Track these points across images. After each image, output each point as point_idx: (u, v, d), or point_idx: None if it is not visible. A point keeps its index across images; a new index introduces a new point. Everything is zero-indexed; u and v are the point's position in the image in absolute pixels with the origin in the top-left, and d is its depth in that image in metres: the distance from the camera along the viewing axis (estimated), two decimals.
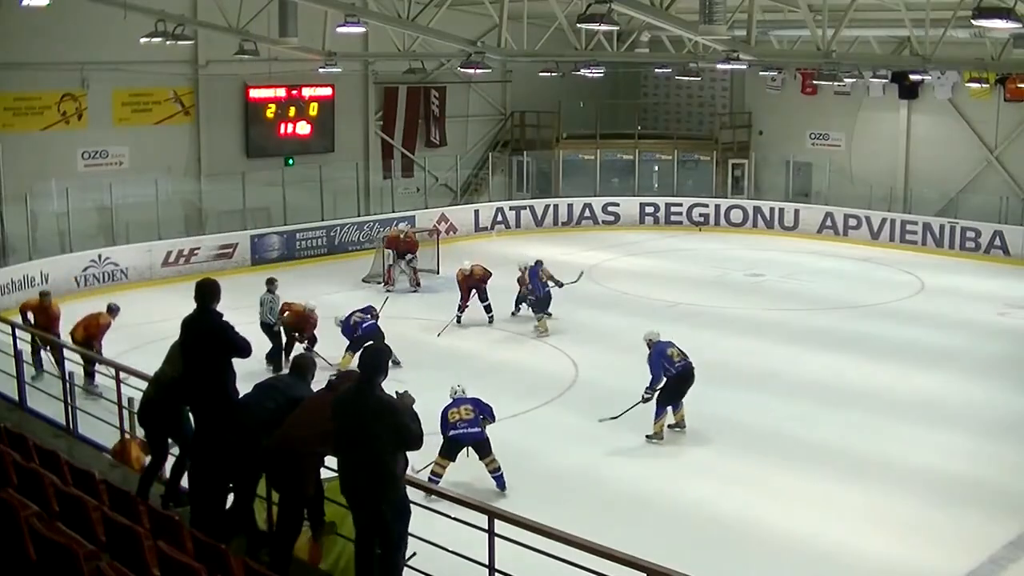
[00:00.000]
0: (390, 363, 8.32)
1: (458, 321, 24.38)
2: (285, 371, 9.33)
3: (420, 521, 8.21)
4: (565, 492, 15.09)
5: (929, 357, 22.49)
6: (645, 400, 17.35)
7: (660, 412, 17.35)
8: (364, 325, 20.53)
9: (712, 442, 17.34)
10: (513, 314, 25.26)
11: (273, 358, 20.34)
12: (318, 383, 9.04)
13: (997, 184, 34.40)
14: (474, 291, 24.48)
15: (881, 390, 20.19)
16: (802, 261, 32.66)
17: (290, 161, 33.85)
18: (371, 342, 15.39)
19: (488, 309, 24.75)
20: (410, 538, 8.26)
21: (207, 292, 9.26)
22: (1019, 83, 32.85)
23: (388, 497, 7.86)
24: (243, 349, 9.11)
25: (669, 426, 17.50)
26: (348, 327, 20.74)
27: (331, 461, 8.45)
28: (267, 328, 20.63)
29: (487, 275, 24.58)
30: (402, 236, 28.33)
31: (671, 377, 17.32)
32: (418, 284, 28.20)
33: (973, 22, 15.56)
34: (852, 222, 35.97)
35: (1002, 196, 33.89)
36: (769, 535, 13.97)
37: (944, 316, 26.03)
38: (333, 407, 8.07)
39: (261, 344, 8.68)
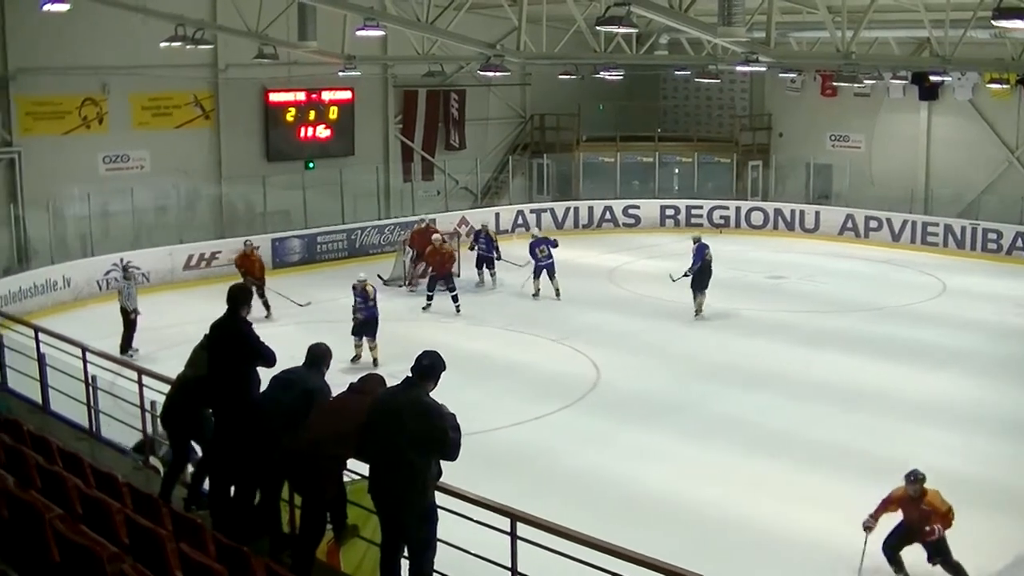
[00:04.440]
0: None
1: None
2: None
3: (442, 523, 8.20)
4: (586, 494, 15.09)
5: (950, 359, 22.41)
6: (685, 275, 25.23)
7: (696, 295, 25.13)
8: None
9: (733, 444, 17.29)
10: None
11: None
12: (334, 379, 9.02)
13: (1018, 185, 34.21)
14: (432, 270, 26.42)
15: (902, 392, 20.13)
16: (822, 263, 32.54)
17: (310, 164, 33.92)
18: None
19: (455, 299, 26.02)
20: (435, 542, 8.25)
21: (234, 297, 9.28)
22: None
23: (416, 502, 7.80)
24: (267, 357, 9.10)
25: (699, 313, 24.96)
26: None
27: (354, 464, 8.46)
28: None
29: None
30: (438, 245, 26.83)
31: (701, 267, 24.83)
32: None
33: (993, 22, 15.50)
34: (872, 224, 35.85)
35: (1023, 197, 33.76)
36: (788, 538, 13.94)
37: (965, 318, 25.91)
38: (373, 405, 8.03)
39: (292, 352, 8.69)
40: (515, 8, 23.28)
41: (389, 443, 7.82)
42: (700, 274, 25.18)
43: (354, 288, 21.46)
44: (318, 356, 8.97)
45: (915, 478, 12.02)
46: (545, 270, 27.45)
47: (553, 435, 17.80)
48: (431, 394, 7.96)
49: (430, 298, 26.24)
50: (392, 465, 7.81)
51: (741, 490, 15.45)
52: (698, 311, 25.56)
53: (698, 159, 39.73)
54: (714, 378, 20.98)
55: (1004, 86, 32.11)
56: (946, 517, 11.97)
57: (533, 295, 27.55)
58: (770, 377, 20.96)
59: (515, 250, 30.31)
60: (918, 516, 12.04)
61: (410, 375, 7.97)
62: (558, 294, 27.33)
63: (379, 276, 25.28)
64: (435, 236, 26.98)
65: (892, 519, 13.27)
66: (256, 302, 22.67)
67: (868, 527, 12.19)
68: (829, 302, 27.60)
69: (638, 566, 7.21)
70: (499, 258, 28.81)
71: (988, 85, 32.43)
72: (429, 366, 7.99)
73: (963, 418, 18.67)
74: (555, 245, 28.10)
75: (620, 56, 27.42)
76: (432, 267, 26.64)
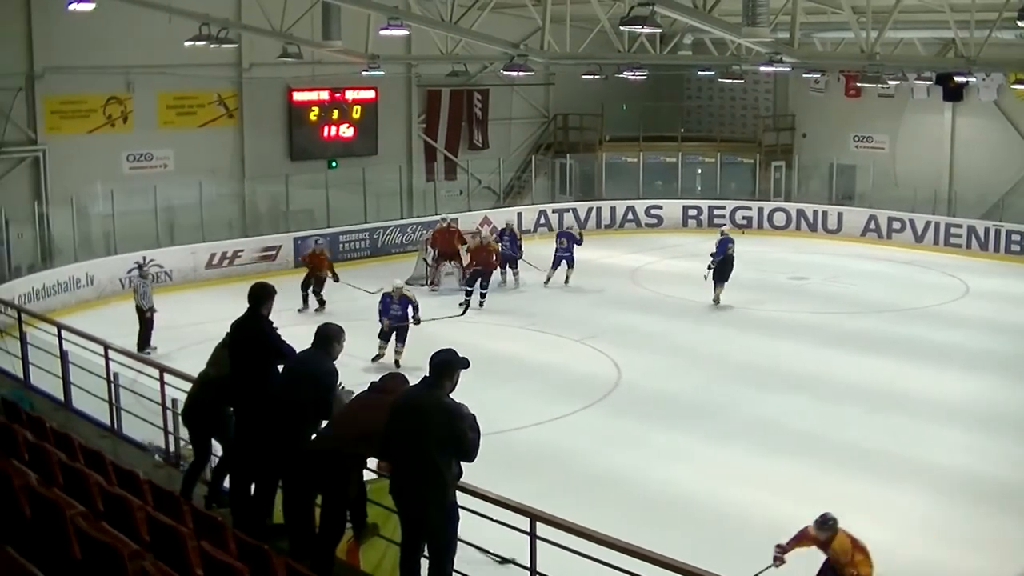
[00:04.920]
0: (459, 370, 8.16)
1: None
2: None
3: (462, 523, 8.20)
4: (606, 494, 15.07)
5: (973, 361, 22.30)
6: (710, 268, 26.39)
7: (716, 285, 26.37)
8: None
9: (755, 445, 17.23)
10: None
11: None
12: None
13: None
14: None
15: (925, 393, 20.05)
16: (845, 264, 32.43)
17: (333, 164, 33.99)
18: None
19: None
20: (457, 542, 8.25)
21: (255, 295, 9.30)
22: None
23: (437, 501, 7.80)
24: (288, 356, 9.10)
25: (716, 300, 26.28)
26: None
27: (373, 463, 8.47)
28: None
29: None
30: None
31: (723, 260, 26.21)
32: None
33: (1019, 23, 15.45)
34: (896, 225, 35.71)
35: None
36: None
37: (989, 320, 25.78)
38: (393, 406, 8.03)
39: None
40: (539, 8, 23.27)
41: (411, 443, 7.82)
42: (722, 266, 26.39)
43: (389, 295, 21.36)
44: (325, 337, 8.85)
45: (823, 523, 11.31)
46: (564, 260, 28.75)
47: (574, 435, 17.78)
48: (453, 393, 7.95)
49: (469, 294, 26.35)
50: (414, 465, 7.81)
51: (762, 491, 15.38)
52: (716, 300, 26.54)
53: (721, 159, 39.64)
54: (737, 379, 20.94)
55: None
56: (854, 565, 11.36)
57: (544, 282, 28.72)
58: (793, 378, 20.90)
59: (537, 250, 30.30)
60: (832, 559, 11.53)
61: (427, 375, 7.97)
62: (566, 281, 28.74)
63: (368, 291, 25.29)
64: (483, 233, 27.71)
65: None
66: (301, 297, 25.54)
67: (777, 559, 11.57)
68: (852, 303, 27.49)
69: (657, 566, 7.20)
70: (521, 257, 28.80)
71: (1013, 86, 32.23)
72: (444, 364, 7.98)
73: (985, 420, 18.58)
74: (578, 242, 28.77)
75: (644, 56, 27.40)
76: (479, 263, 26.76)
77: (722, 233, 27.32)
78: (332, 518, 8.43)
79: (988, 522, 14.54)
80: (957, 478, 16.05)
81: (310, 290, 25.87)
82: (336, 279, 25.79)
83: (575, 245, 28.86)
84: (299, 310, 25.11)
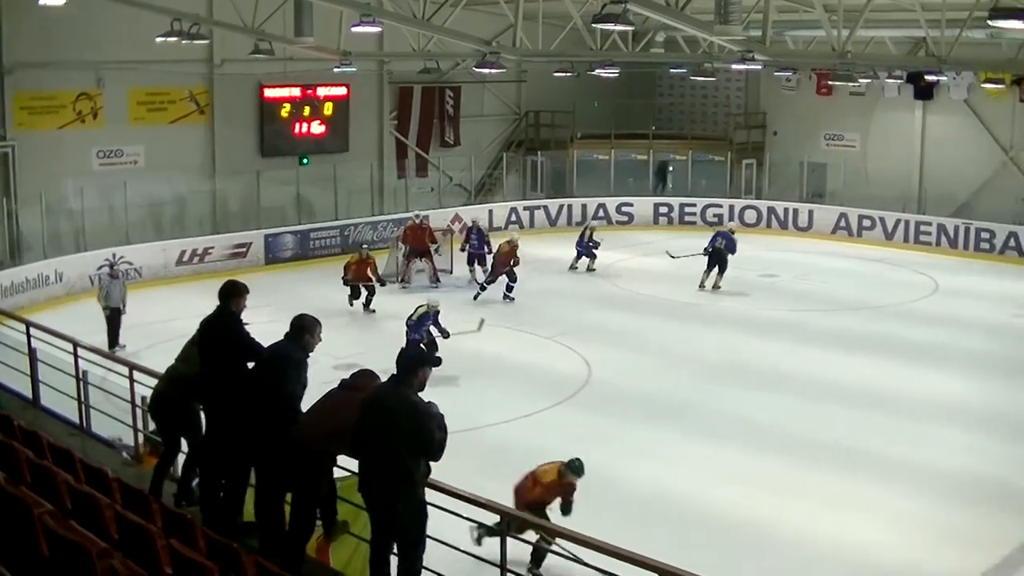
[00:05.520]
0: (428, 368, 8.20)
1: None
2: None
3: (434, 520, 8.19)
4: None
5: (943, 359, 22.49)
6: (705, 252, 28.29)
7: (706, 271, 28.14)
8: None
9: (725, 442, 17.30)
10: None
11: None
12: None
13: (1013, 185, 34.28)
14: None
15: (894, 390, 20.20)
16: (816, 262, 32.60)
17: (304, 160, 33.89)
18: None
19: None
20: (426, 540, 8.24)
21: (225, 293, 9.26)
22: None
23: (406, 499, 7.79)
24: (258, 353, 9.06)
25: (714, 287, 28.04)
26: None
27: (345, 461, 8.45)
28: None
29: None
30: (418, 223, 28.98)
31: (712, 251, 28.08)
32: (438, 280, 28.45)
33: (989, 22, 15.49)
34: (866, 223, 35.94)
35: (1017, 197, 33.79)
36: (784, 536, 13.99)
37: (958, 317, 25.97)
38: (363, 403, 8.00)
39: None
40: (511, 5, 23.24)
41: (381, 441, 7.80)
42: (711, 257, 28.16)
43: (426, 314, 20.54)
44: (299, 327, 8.72)
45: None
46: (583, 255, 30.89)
47: (544, 433, 17.72)
48: (425, 389, 7.95)
49: (483, 287, 27.31)
50: (383, 463, 7.80)
51: (737, 488, 15.44)
52: (701, 284, 28.26)
53: (692, 157, 39.75)
54: (709, 376, 21.05)
55: (999, 86, 32.18)
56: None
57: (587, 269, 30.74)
58: (766, 376, 21.00)
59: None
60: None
61: (396, 372, 7.97)
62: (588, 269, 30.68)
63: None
64: (513, 236, 28.13)
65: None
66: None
67: None
68: (823, 301, 27.64)
69: (625, 563, 7.22)
70: (491, 253, 28.80)
71: (983, 85, 32.48)
72: (412, 361, 8.02)
73: (963, 417, 18.79)
74: (596, 246, 30.80)
75: (616, 54, 27.41)
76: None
77: (723, 229, 29.71)
78: (302, 516, 8.41)
79: (965, 517, 14.67)
80: (929, 474, 16.18)
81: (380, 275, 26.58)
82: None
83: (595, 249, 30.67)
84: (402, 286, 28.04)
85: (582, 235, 30.91)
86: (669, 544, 10.21)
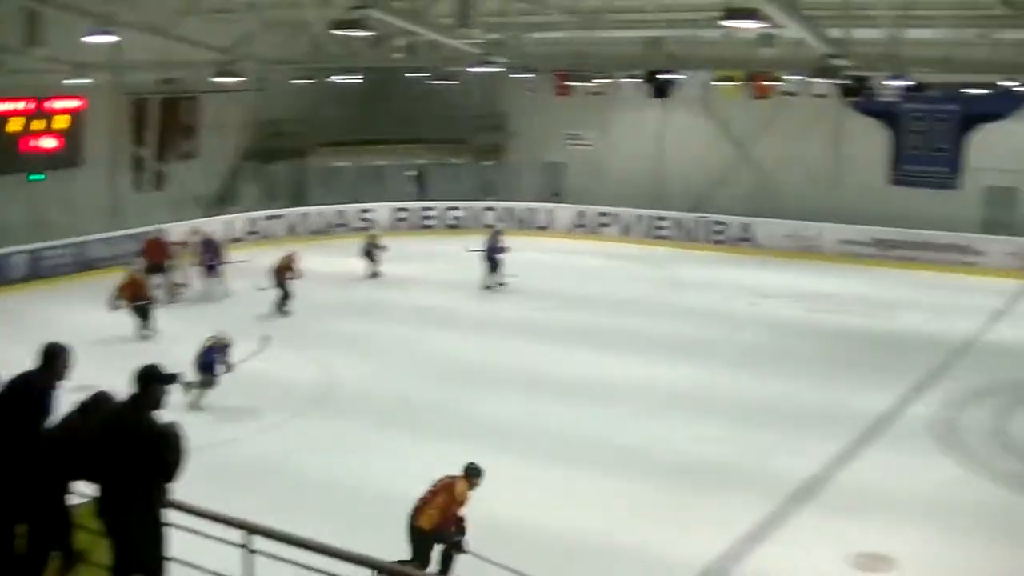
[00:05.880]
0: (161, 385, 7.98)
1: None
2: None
3: (176, 541, 7.96)
4: (321, 501, 14.81)
5: (684, 349, 23.23)
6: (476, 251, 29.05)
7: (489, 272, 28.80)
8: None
9: (476, 444, 16.45)
10: None
11: None
12: None
13: (747, 178, 35.93)
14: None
15: (638, 382, 20.73)
16: (556, 260, 33.33)
17: (33, 176, 32.20)
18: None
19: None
20: (167, 562, 7.94)
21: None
22: (766, 81, 34.19)
23: (146, 521, 7.63)
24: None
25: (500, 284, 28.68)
26: None
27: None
28: None
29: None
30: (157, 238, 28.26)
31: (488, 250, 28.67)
32: (177, 296, 27.72)
33: (721, 23, 16.03)
34: (605, 220, 36.99)
35: (751, 190, 35.41)
36: (524, 530, 14.02)
37: (697, 308, 27.02)
38: (101, 424, 7.78)
39: None
40: (252, 14, 22.93)
41: (117, 464, 7.60)
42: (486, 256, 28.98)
43: (212, 347, 19.10)
44: (48, 355, 8.31)
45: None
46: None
47: (284, 444, 17.37)
48: (163, 407, 7.77)
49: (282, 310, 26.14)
50: (119, 485, 7.61)
51: (485, 489, 15.31)
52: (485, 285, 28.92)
53: (434, 160, 40.04)
54: (453, 379, 21.01)
55: (734, 84, 33.49)
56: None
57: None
58: (512, 376, 21.13)
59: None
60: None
61: (133, 391, 7.77)
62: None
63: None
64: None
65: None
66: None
67: None
68: (565, 299, 28.22)
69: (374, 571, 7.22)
70: (222, 263, 28.35)
71: (718, 83, 33.74)
72: (147, 379, 7.79)
73: (705, 404, 19.40)
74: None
75: (356, 59, 27.32)
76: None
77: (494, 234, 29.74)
78: (36, 549, 8.06)
79: (705, 500, 15.12)
80: (675, 461, 16.60)
81: None
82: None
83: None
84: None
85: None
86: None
